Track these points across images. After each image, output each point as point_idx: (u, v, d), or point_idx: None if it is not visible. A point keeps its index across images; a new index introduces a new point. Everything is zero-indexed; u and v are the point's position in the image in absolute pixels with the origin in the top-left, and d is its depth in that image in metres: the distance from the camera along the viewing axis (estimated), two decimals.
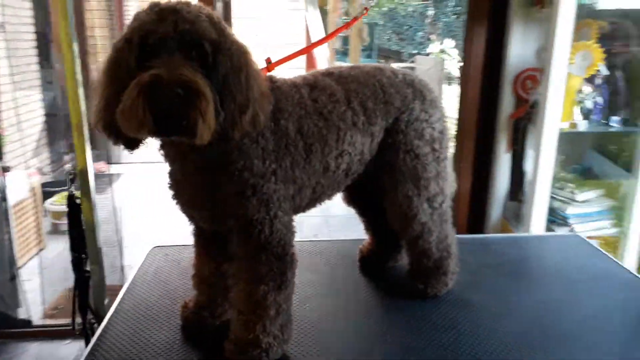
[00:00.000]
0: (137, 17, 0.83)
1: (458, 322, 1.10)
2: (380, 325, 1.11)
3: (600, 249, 1.43)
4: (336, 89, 1.02)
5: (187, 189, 0.94)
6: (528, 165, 2.36)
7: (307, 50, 1.37)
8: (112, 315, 1.12)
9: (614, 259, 1.38)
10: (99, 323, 1.15)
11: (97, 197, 1.21)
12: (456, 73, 9.25)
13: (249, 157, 0.89)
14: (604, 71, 2.08)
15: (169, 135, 0.80)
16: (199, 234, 1.05)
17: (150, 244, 1.42)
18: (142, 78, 0.76)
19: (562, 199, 2.21)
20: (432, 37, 11.10)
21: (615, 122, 2.13)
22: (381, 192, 1.16)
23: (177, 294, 1.22)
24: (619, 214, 2.20)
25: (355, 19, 1.19)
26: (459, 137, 2.52)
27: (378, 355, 1.00)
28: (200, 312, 1.06)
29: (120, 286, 1.23)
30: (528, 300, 1.20)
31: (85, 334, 1.15)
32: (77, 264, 1.16)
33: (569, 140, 2.19)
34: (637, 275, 1.29)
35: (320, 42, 1.17)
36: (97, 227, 1.14)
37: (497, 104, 2.42)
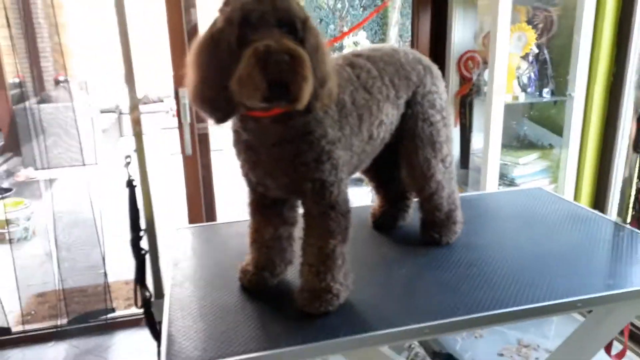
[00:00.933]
0: (234, 0, 0.92)
1: (474, 260, 1.30)
2: (413, 268, 1.28)
3: (562, 197, 1.72)
4: (370, 67, 1.18)
5: (266, 160, 1.04)
6: (475, 137, 2.66)
7: (347, 33, 1.50)
8: (172, 288, 1.20)
9: (575, 203, 1.67)
10: (158, 297, 1.22)
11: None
12: None
13: (324, 126, 1.02)
14: (535, 49, 2.41)
15: (276, 100, 0.89)
16: (258, 204, 1.16)
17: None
18: (257, 48, 0.85)
19: (507, 163, 2.53)
20: (344, 29, 11.47)
21: (546, 93, 2.47)
22: (400, 157, 1.33)
23: (223, 264, 1.31)
24: (554, 172, 2.56)
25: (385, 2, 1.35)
26: None
27: (421, 290, 1.17)
28: (261, 273, 1.17)
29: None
30: (519, 239, 1.43)
31: (146, 308, 1.21)
32: (136, 242, 1.21)
33: (507, 112, 2.50)
34: (598, 213, 1.58)
35: (356, 26, 1.30)
36: (152, 209, 1.20)
37: (445, 84, 2.69)
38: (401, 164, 1.34)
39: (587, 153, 2.43)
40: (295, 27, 0.91)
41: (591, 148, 2.42)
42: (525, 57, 2.40)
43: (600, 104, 2.37)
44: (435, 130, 1.29)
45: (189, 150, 2.39)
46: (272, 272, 1.18)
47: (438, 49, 2.68)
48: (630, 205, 1.49)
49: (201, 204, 2.56)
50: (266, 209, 1.15)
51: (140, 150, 1.12)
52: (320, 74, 0.95)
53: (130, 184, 1.14)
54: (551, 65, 2.49)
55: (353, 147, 1.11)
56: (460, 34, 2.63)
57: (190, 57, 0.98)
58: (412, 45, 2.74)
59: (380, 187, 1.50)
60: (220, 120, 1.00)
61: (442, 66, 2.67)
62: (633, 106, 1.47)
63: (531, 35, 2.32)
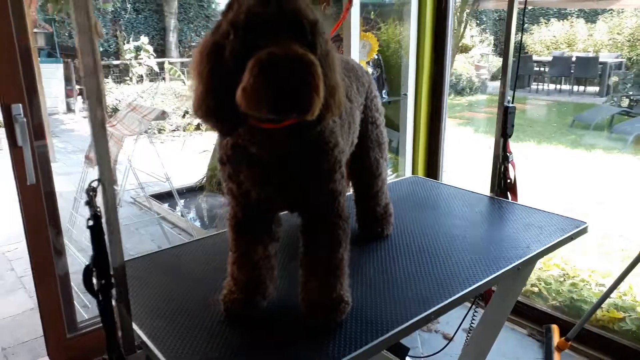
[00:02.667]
0: (240, 3, 0.84)
1: (420, 247, 1.42)
2: (377, 264, 1.33)
3: (440, 181, 1.98)
4: (344, 75, 1.19)
5: (278, 175, 0.97)
6: None
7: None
8: (153, 342, 1.02)
9: (453, 185, 1.95)
10: (129, 352, 1.02)
11: None
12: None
13: (336, 136, 1.00)
14: (375, 56, 2.69)
15: (285, 112, 0.81)
16: (248, 223, 1.07)
17: None
18: (260, 56, 0.78)
19: None
20: (117, 34, 10.70)
21: (384, 94, 2.79)
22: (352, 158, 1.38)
23: (189, 294, 1.18)
24: (394, 163, 2.91)
25: (350, 4, 1.35)
26: None
27: (398, 282, 1.23)
28: (253, 297, 1.09)
29: None
30: (429, 222, 1.61)
31: None
32: (107, 291, 0.97)
33: None
34: (474, 191, 1.88)
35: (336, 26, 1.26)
36: (122, 247, 0.98)
37: None
38: (353, 164, 1.38)
39: (419, 142, 2.83)
40: (304, 31, 0.85)
41: (422, 137, 2.84)
42: (368, 63, 2.66)
43: (426, 101, 2.79)
44: (380, 131, 1.37)
45: (32, 178, 1.99)
46: (264, 294, 1.10)
47: None
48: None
49: (50, 243, 2.16)
50: (256, 226, 1.08)
51: (109, 180, 0.93)
52: (329, 82, 0.90)
53: (96, 220, 0.93)
54: (386, 70, 2.81)
55: (346, 155, 1.12)
56: None
57: (192, 66, 0.88)
58: None
59: None
60: (226, 132, 0.92)
61: None
62: (503, 98, 1.78)
63: (374, 42, 2.58)
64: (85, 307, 2.72)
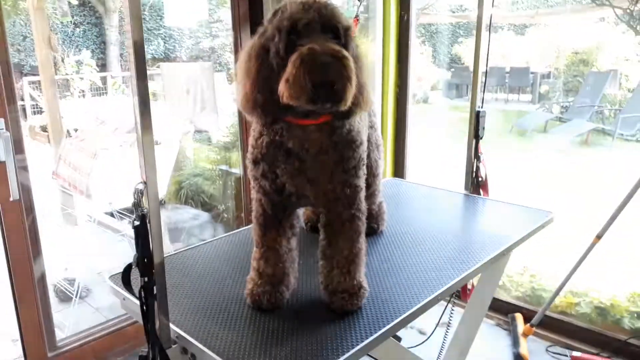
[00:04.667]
0: (283, 10, 0.96)
1: (413, 241, 1.54)
2: (379, 256, 1.43)
3: (414, 182, 2.13)
4: None
5: (311, 168, 1.06)
6: None
7: None
8: (186, 331, 1.07)
9: (427, 185, 2.10)
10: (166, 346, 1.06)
11: None
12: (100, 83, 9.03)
13: (362, 135, 1.10)
14: None
15: (321, 101, 0.92)
16: (275, 218, 1.14)
17: None
18: (302, 51, 0.90)
19: None
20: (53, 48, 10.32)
21: None
22: None
23: (212, 290, 1.25)
24: None
25: (357, 20, 1.45)
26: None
27: (403, 271, 1.34)
28: (281, 289, 1.16)
29: None
30: (417, 218, 1.74)
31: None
32: (149, 289, 1.00)
33: None
34: (450, 190, 2.03)
35: None
36: (163, 246, 1.02)
37: None
38: None
39: (386, 146, 2.99)
40: (339, 33, 0.98)
41: (390, 142, 3.00)
42: None
43: (393, 108, 2.96)
44: (377, 134, 1.49)
45: (15, 194, 1.95)
46: (288, 286, 1.18)
47: None
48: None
49: (30, 261, 2.11)
50: (282, 221, 1.16)
51: (152, 180, 0.98)
52: (359, 81, 1.00)
53: (142, 219, 0.98)
54: None
55: None
56: None
57: (240, 65, 0.99)
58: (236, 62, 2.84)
59: None
60: (269, 124, 1.03)
61: None
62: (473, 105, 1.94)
63: None
64: (57, 327, 2.64)
